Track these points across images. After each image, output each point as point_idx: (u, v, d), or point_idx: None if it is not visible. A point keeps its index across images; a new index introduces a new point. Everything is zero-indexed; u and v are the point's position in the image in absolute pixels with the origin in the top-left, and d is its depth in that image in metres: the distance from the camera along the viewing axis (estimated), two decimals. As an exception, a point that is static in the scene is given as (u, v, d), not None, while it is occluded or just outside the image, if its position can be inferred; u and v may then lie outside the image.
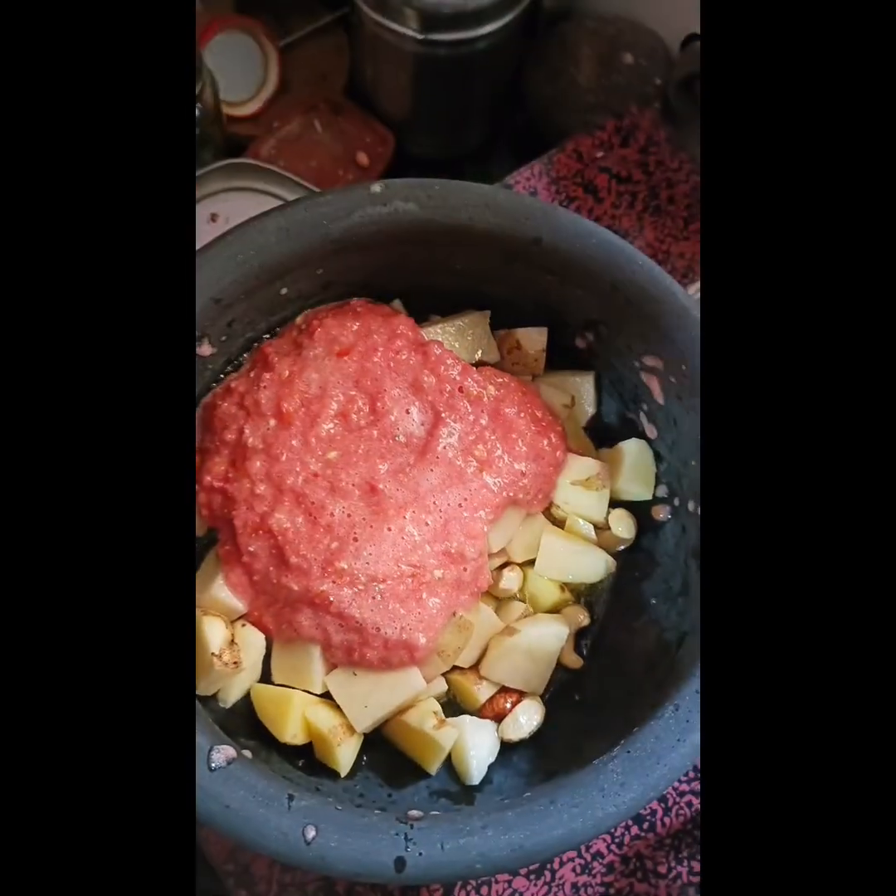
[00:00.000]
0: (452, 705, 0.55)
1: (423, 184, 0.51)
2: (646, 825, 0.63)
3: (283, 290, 0.54)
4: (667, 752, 0.42)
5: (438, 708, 0.52)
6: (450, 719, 0.52)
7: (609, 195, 0.79)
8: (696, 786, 0.63)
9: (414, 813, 0.42)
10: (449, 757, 0.53)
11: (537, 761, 0.52)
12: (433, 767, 0.52)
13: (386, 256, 0.54)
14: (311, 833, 0.40)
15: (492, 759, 0.53)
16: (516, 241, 0.51)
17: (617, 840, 0.62)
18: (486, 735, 0.52)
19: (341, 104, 0.91)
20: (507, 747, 0.54)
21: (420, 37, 0.77)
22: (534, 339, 0.58)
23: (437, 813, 0.43)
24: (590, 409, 0.60)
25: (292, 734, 0.50)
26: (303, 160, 0.89)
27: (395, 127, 0.91)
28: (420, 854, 0.39)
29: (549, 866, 0.61)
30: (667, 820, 0.63)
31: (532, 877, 0.61)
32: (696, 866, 0.62)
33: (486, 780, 0.52)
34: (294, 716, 0.50)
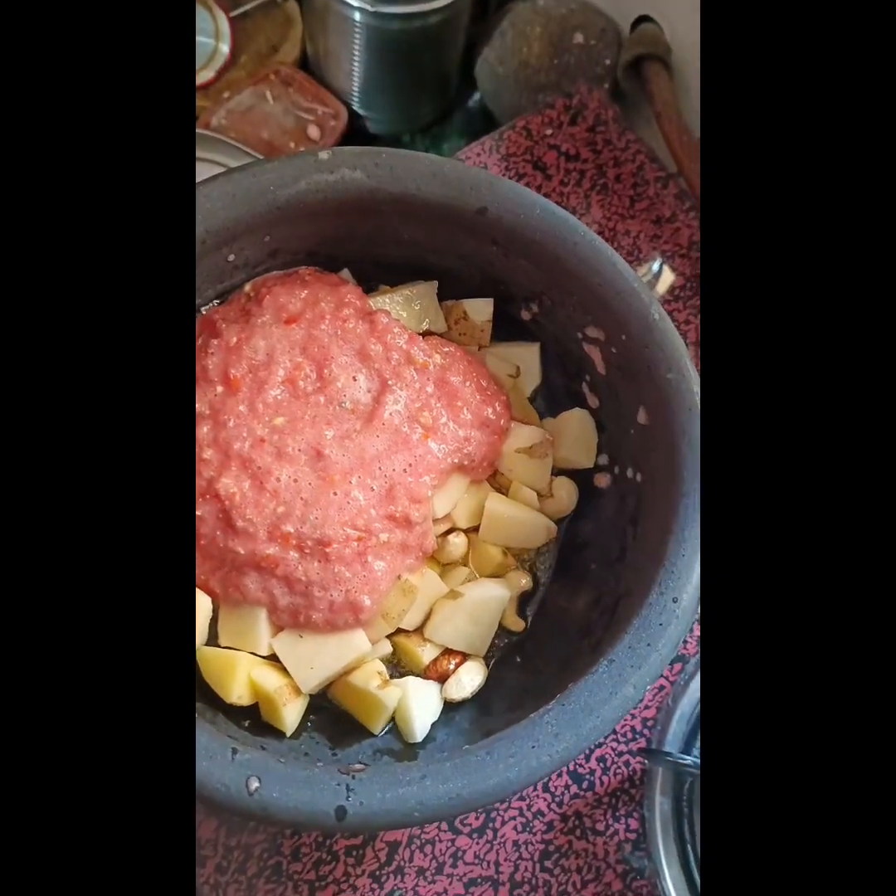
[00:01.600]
0: (397, 667, 0.57)
1: (370, 152, 0.51)
2: (585, 784, 0.65)
3: (231, 257, 0.54)
4: (599, 705, 0.43)
5: (383, 669, 0.54)
6: (394, 680, 0.54)
7: (558, 173, 0.80)
8: (634, 746, 0.66)
9: (356, 765, 0.43)
10: (394, 719, 0.54)
11: (479, 720, 0.54)
12: (378, 727, 0.53)
13: (333, 225, 0.54)
14: (253, 784, 0.41)
15: (435, 718, 0.54)
16: (462, 211, 0.52)
17: (557, 799, 0.64)
18: (429, 695, 0.54)
19: (293, 76, 0.90)
20: (449, 707, 0.55)
21: (371, 9, 0.77)
22: (480, 309, 0.59)
23: (378, 766, 0.44)
24: (534, 380, 0.61)
25: (238, 695, 0.51)
26: (253, 131, 0.88)
27: (346, 101, 0.91)
28: (360, 803, 0.41)
29: (491, 825, 0.63)
30: (605, 779, 0.65)
31: (475, 835, 0.63)
32: (633, 823, 0.64)
33: (429, 737, 0.53)
34: (240, 677, 0.51)
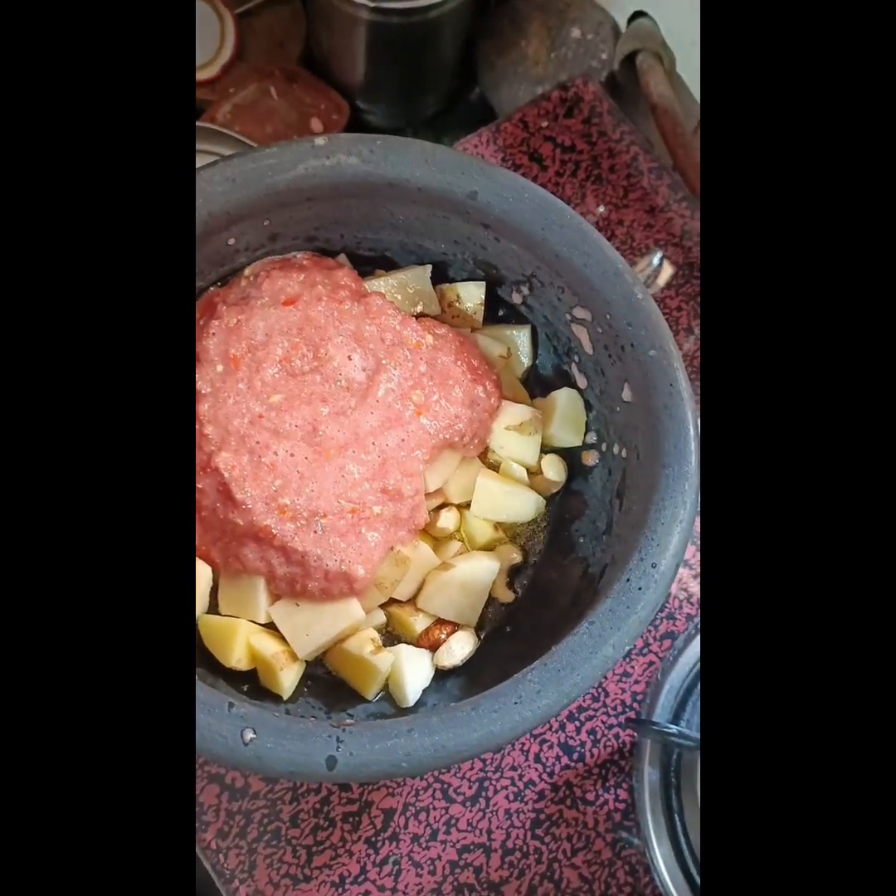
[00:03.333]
0: (391, 636, 0.59)
1: (364, 139, 0.53)
2: (575, 756, 0.67)
3: (231, 241, 0.56)
4: (580, 663, 0.45)
5: (376, 636, 0.56)
6: (387, 647, 0.56)
7: (553, 163, 0.82)
8: (623, 719, 0.67)
9: (347, 720, 0.45)
10: (387, 686, 0.56)
11: (469, 687, 0.56)
12: (371, 692, 0.55)
13: (330, 209, 0.56)
14: (248, 735, 0.43)
15: (426, 683, 0.56)
16: (454, 195, 0.54)
17: (548, 770, 0.66)
18: (421, 661, 0.56)
19: (297, 72, 0.93)
20: (441, 674, 0.57)
21: (371, 5, 0.79)
22: (472, 292, 0.61)
23: (368, 722, 0.46)
24: (525, 361, 0.63)
25: (237, 659, 0.53)
26: (258, 126, 0.91)
27: (349, 95, 0.93)
28: (350, 754, 0.43)
29: (483, 793, 0.65)
30: (595, 751, 0.67)
31: (468, 803, 0.65)
32: (622, 794, 0.66)
33: (420, 703, 0.55)
34: (239, 642, 0.53)
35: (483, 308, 0.62)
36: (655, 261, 0.84)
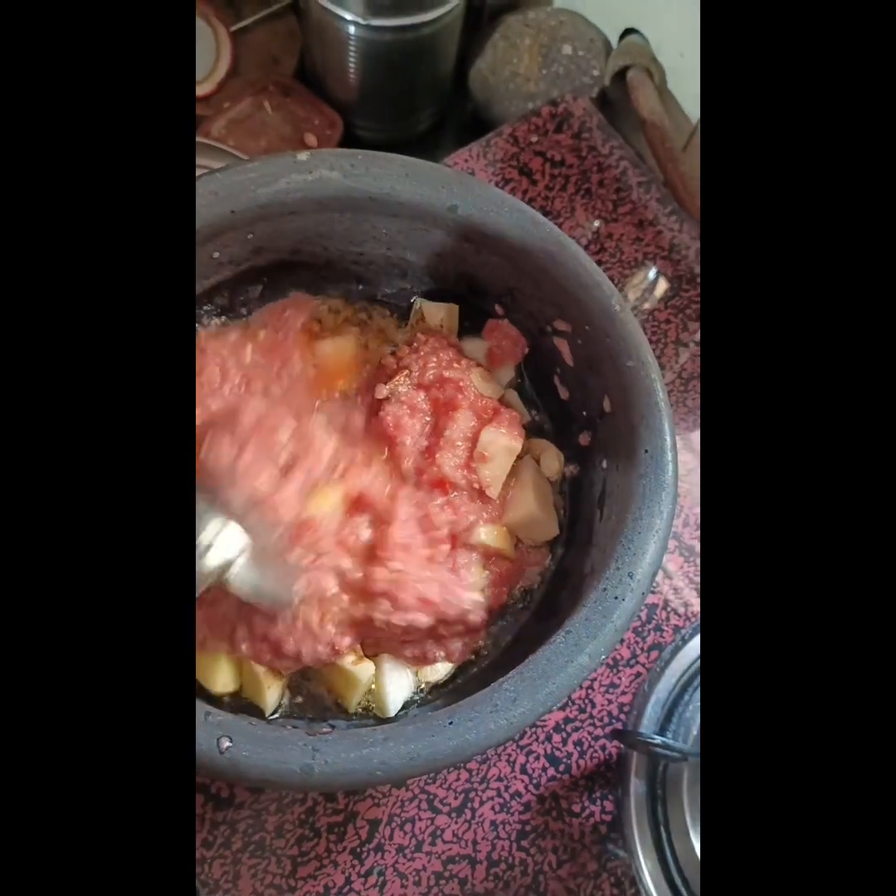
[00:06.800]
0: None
1: (346, 153, 0.54)
2: (562, 767, 0.67)
3: (215, 254, 0.57)
4: (556, 672, 0.45)
5: (358, 647, 0.56)
6: (368, 658, 0.56)
7: (543, 178, 0.83)
8: (609, 730, 0.67)
9: (324, 729, 0.45)
10: (370, 700, 0.56)
11: (451, 697, 0.56)
12: (352, 703, 0.55)
13: (314, 223, 0.57)
14: (225, 743, 0.43)
15: (408, 695, 0.56)
16: (434, 209, 0.55)
17: (534, 781, 0.66)
18: (403, 672, 0.56)
19: (291, 87, 0.94)
20: (424, 688, 0.57)
21: (363, 22, 0.81)
22: (434, 313, 0.63)
23: (344, 731, 0.46)
24: (508, 374, 0.63)
25: (223, 684, 0.54)
26: (252, 140, 0.92)
27: (343, 111, 0.94)
28: (326, 762, 0.43)
29: (469, 805, 0.65)
30: (581, 762, 0.67)
31: (453, 815, 0.65)
32: (608, 806, 0.66)
33: (402, 714, 0.55)
34: (223, 665, 0.54)
35: (446, 326, 0.63)
36: (651, 275, 0.85)
